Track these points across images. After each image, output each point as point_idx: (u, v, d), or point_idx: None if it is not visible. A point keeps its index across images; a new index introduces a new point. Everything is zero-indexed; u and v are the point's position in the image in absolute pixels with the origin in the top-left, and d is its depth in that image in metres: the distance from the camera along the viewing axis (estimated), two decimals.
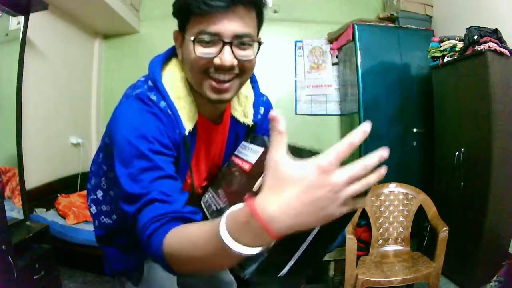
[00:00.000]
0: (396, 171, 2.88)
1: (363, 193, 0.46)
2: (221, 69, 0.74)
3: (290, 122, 2.89)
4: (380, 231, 2.27)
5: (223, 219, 0.48)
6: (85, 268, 2.61)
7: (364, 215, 2.28)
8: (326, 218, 0.44)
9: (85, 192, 2.85)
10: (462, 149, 2.35)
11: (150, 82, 0.81)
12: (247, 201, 0.45)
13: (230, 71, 0.75)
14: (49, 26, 2.71)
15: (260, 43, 0.78)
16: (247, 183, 0.72)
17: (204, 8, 0.70)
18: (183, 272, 0.63)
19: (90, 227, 2.40)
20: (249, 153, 0.82)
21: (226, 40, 0.72)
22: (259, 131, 1.00)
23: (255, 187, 0.64)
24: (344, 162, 0.44)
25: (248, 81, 0.93)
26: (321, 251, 0.55)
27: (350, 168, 0.43)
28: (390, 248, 2.24)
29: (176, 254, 0.60)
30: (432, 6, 3.36)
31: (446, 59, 2.53)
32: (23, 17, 2.17)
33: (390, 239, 2.26)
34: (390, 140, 2.95)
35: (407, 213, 2.26)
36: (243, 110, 0.94)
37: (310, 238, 0.50)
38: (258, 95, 0.98)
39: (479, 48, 2.17)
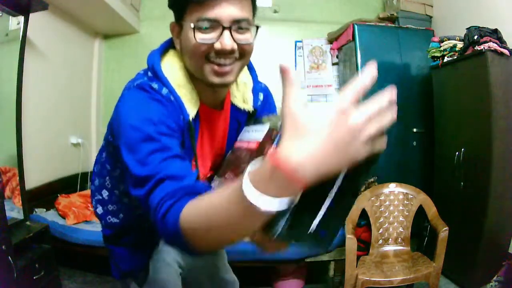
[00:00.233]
0: (396, 171, 2.88)
1: (381, 135, 0.45)
2: (222, 53, 0.76)
3: None
4: (380, 231, 2.27)
5: (245, 176, 0.45)
6: (85, 268, 2.61)
7: (364, 215, 2.28)
8: (350, 161, 0.43)
9: (85, 192, 2.88)
10: (462, 149, 2.35)
11: (149, 73, 0.82)
12: (269, 153, 0.43)
13: (230, 55, 0.77)
14: (49, 26, 2.71)
15: (258, 27, 0.79)
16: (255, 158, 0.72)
17: None
18: (203, 247, 0.59)
19: (90, 227, 2.40)
20: (254, 133, 0.82)
21: (225, 25, 0.74)
22: (260, 117, 1.00)
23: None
24: None
25: (246, 68, 0.94)
26: (349, 200, 0.51)
27: (366, 108, 0.43)
28: (390, 248, 2.24)
29: (194, 225, 0.56)
30: (432, 6, 3.36)
31: (446, 59, 2.53)
32: (23, 17, 2.17)
33: (390, 239, 2.26)
34: (390, 140, 2.92)
35: (407, 213, 2.26)
36: (242, 97, 0.95)
37: (337, 183, 0.47)
38: (256, 82, 0.99)
39: (479, 48, 2.17)
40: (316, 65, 3.59)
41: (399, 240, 2.25)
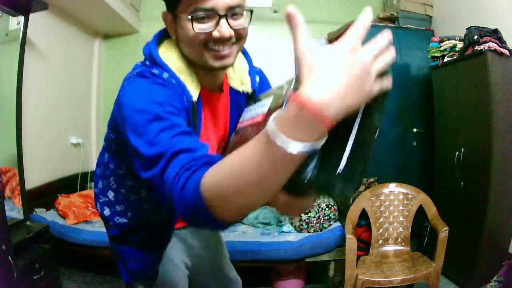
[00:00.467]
0: (396, 171, 2.89)
1: (386, 73, 0.49)
2: (221, 41, 0.78)
3: None
4: (380, 231, 2.27)
5: (270, 123, 0.45)
6: (85, 268, 2.61)
7: (364, 215, 2.28)
8: (366, 96, 0.45)
9: (85, 192, 2.88)
10: (462, 149, 2.35)
11: (148, 62, 0.82)
12: (292, 96, 0.44)
13: (228, 41, 0.79)
14: (49, 26, 2.71)
15: (251, 11, 0.82)
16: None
17: None
18: (228, 215, 0.55)
19: (90, 227, 2.40)
20: (256, 109, 0.83)
21: (221, 13, 0.76)
22: (258, 97, 1.02)
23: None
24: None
25: (240, 53, 0.95)
26: (370, 137, 0.52)
27: (373, 45, 0.47)
28: (390, 248, 2.24)
29: (218, 189, 0.53)
30: (432, 6, 3.36)
31: (446, 59, 2.53)
32: (23, 17, 2.17)
33: (390, 239, 2.26)
34: (390, 140, 2.95)
35: (407, 213, 2.26)
36: (240, 79, 0.97)
37: (358, 120, 0.49)
38: (251, 65, 1.02)
39: (479, 48, 2.17)
40: None
41: (399, 240, 2.25)
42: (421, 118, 3.03)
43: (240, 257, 2.13)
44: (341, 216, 2.42)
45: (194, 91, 0.83)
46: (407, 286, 2.13)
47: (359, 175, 0.52)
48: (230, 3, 0.76)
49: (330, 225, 2.37)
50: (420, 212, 2.25)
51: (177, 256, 1.10)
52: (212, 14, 0.76)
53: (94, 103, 3.51)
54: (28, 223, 2.15)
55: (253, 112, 0.85)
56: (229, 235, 2.32)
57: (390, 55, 0.48)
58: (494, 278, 2.05)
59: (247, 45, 0.92)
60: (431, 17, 3.36)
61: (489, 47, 2.11)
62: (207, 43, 0.78)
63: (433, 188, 2.67)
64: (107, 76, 3.56)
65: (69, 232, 2.35)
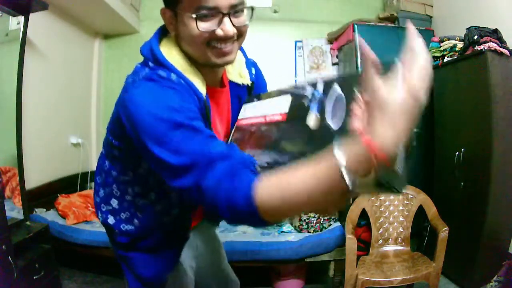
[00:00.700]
0: None
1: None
2: (224, 39, 0.78)
3: None
4: (380, 231, 2.27)
5: (340, 158, 0.49)
6: (85, 268, 2.62)
7: (364, 215, 2.28)
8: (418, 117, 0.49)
9: (85, 192, 2.88)
10: (462, 149, 2.35)
11: (150, 63, 0.81)
12: (366, 141, 0.47)
13: (231, 39, 0.80)
14: (49, 26, 2.71)
15: (253, 8, 0.82)
16: (291, 128, 0.77)
17: None
18: (279, 220, 0.67)
19: (90, 227, 2.40)
20: (265, 107, 0.86)
21: (224, 11, 0.76)
22: (257, 89, 1.04)
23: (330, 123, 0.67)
24: None
25: None
26: (411, 141, 0.58)
27: (423, 75, 0.48)
28: (390, 248, 2.24)
29: (273, 204, 0.59)
30: (432, 6, 3.36)
31: (446, 59, 2.53)
32: (23, 17, 2.17)
33: (390, 239, 2.26)
34: None
35: (407, 213, 2.26)
36: (238, 72, 0.98)
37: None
38: (247, 57, 1.04)
39: (479, 48, 2.17)
40: (316, 65, 3.59)
41: (399, 240, 2.25)
42: (421, 118, 3.00)
43: (240, 257, 2.13)
44: (341, 216, 2.42)
45: (202, 88, 0.83)
46: (407, 286, 2.13)
47: (407, 174, 0.56)
48: (233, 1, 0.76)
49: (330, 225, 2.37)
50: (420, 212, 2.25)
51: (185, 261, 1.08)
52: (215, 12, 0.75)
53: (94, 103, 3.51)
54: (28, 223, 2.15)
55: (261, 110, 0.87)
56: (229, 235, 2.32)
57: (429, 69, 0.50)
58: (494, 278, 2.04)
59: (246, 45, 0.92)
60: (431, 17, 3.36)
61: (489, 47, 2.11)
62: (210, 41, 0.78)
63: (433, 188, 2.67)
64: (107, 76, 3.56)
65: (69, 232, 2.35)
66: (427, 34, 3.09)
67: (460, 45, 2.40)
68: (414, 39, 0.51)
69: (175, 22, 0.81)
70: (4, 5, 2.03)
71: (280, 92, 0.84)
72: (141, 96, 0.73)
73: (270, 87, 1.08)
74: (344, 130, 0.68)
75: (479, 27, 2.24)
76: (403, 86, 0.47)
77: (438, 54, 2.59)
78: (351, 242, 1.94)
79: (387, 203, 2.30)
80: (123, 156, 0.91)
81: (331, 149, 0.51)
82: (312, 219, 2.34)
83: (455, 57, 2.44)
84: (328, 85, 0.72)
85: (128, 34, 3.51)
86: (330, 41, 3.52)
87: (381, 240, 2.26)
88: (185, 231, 1.03)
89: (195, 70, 0.83)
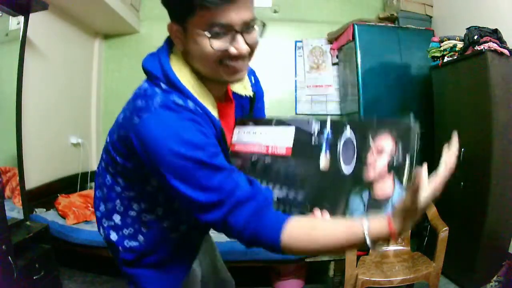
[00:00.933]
0: None
1: None
2: (237, 57, 0.76)
3: None
4: None
5: (365, 233, 0.67)
6: (85, 268, 2.61)
7: None
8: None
9: (85, 192, 2.88)
10: (462, 149, 2.34)
11: (163, 85, 0.78)
12: (391, 228, 0.66)
13: (244, 57, 0.78)
14: (49, 26, 2.71)
15: (264, 25, 0.80)
16: (300, 166, 0.83)
17: (214, 0, 0.69)
18: (296, 255, 0.81)
19: (90, 227, 2.40)
20: (267, 136, 0.89)
21: (238, 29, 0.73)
22: (256, 99, 1.04)
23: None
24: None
25: None
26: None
27: (443, 177, 0.70)
28: (390, 248, 2.24)
29: (299, 244, 0.72)
30: (432, 6, 3.36)
31: (446, 59, 2.53)
32: (23, 17, 2.16)
33: None
34: None
35: None
36: (243, 85, 0.98)
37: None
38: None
39: (479, 48, 2.17)
40: (316, 65, 3.59)
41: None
42: (421, 118, 3.00)
43: (240, 257, 2.13)
44: None
45: (214, 111, 0.82)
46: (407, 286, 2.13)
47: None
48: (246, 18, 0.73)
49: None
50: None
51: (194, 270, 1.08)
52: (228, 29, 0.72)
53: (94, 103, 3.51)
54: (28, 223, 2.14)
55: (261, 139, 0.90)
56: None
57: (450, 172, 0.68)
58: (494, 278, 2.04)
59: None
60: (431, 17, 3.36)
61: (489, 47, 2.11)
62: (223, 59, 0.76)
63: None
64: (107, 76, 3.56)
65: (69, 232, 2.34)
66: (427, 34, 3.09)
67: (460, 45, 2.40)
68: (453, 156, 0.70)
69: (183, 38, 0.77)
70: (4, 5, 2.03)
71: (281, 122, 0.84)
72: (161, 130, 0.71)
73: (271, 87, 1.08)
74: (357, 177, 0.78)
75: (479, 27, 2.24)
76: (431, 194, 0.64)
77: (438, 54, 2.59)
78: None
79: None
80: (129, 174, 0.88)
81: (362, 220, 0.67)
82: None
83: (455, 57, 2.44)
84: (337, 126, 0.75)
85: (128, 34, 3.51)
86: (330, 41, 3.52)
87: None
88: (194, 249, 1.02)
89: (205, 90, 0.82)
